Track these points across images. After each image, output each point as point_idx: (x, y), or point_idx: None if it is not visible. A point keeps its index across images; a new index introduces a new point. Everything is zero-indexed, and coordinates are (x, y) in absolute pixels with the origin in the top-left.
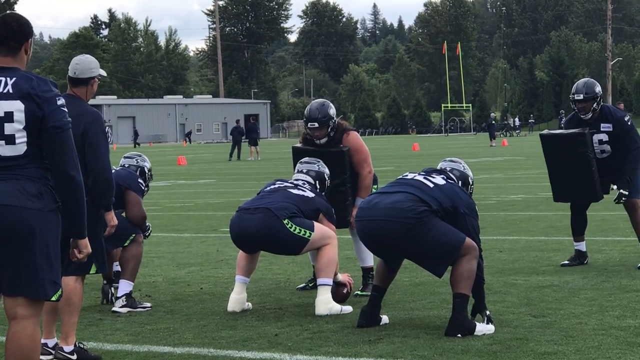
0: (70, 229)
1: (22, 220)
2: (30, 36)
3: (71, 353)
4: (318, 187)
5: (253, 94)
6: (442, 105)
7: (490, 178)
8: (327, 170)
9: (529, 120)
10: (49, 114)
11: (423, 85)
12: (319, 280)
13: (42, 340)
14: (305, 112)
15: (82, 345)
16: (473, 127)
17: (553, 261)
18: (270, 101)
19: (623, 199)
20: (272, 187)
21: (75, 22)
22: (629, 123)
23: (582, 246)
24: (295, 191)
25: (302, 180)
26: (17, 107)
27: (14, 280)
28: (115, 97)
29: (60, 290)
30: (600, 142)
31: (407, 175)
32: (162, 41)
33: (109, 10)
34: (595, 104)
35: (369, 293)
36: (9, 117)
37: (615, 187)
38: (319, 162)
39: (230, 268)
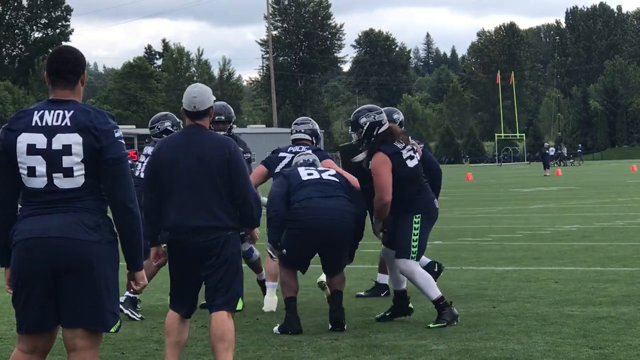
0: (127, 260)
1: (80, 253)
2: (85, 67)
3: None
4: (315, 142)
5: None
6: (496, 134)
7: (544, 208)
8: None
9: (577, 150)
10: (107, 146)
11: (476, 114)
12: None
13: None
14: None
15: None
16: (527, 156)
17: (609, 292)
18: (323, 130)
19: None
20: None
21: (131, 52)
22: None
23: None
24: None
25: (305, 146)
26: (75, 139)
27: (73, 312)
28: None
29: (119, 322)
30: None
31: (313, 175)
32: (215, 71)
33: (163, 41)
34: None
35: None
36: (67, 150)
37: None
38: (311, 120)
39: None
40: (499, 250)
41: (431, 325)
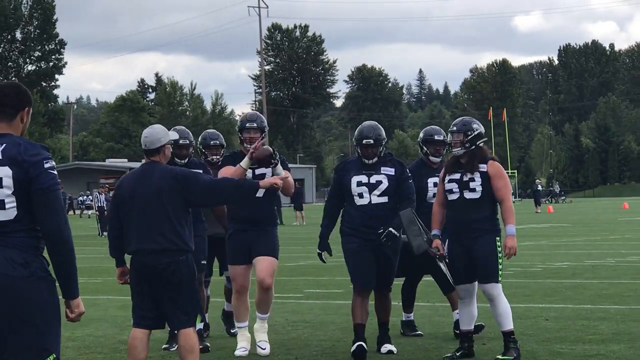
0: (62, 289)
1: (4, 288)
2: (27, 105)
3: None
4: None
5: (299, 159)
6: None
7: (536, 245)
8: None
9: (549, 187)
10: (35, 177)
11: None
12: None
13: None
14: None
15: None
16: (518, 193)
17: (599, 330)
18: (315, 166)
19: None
20: None
21: (125, 85)
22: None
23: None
24: None
25: None
26: (5, 172)
27: (3, 347)
28: None
29: (52, 356)
30: None
31: None
32: (208, 105)
33: (156, 74)
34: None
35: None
36: None
37: None
38: None
39: (276, 334)
40: None
41: (499, 357)
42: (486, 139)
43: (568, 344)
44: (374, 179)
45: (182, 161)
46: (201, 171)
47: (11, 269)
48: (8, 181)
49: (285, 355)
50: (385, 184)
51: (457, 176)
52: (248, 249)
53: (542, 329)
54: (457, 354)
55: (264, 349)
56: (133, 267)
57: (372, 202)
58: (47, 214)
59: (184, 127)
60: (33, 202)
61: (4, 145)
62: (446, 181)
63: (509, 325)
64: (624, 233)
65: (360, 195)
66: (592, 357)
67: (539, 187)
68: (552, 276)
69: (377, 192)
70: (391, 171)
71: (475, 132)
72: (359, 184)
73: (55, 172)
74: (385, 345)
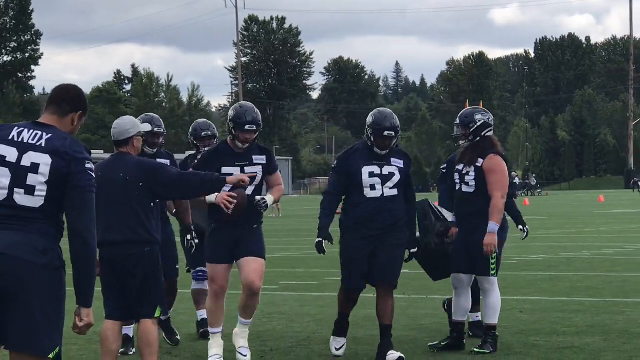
0: (76, 293)
1: (24, 274)
2: (81, 109)
3: None
4: None
5: (275, 151)
6: None
7: (511, 237)
8: None
9: (525, 180)
10: (75, 174)
11: (445, 143)
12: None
13: None
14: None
15: None
16: None
17: (574, 322)
18: (292, 158)
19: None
20: None
21: (103, 76)
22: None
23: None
24: None
25: None
26: (44, 160)
27: (13, 335)
28: None
29: (57, 349)
30: None
31: None
32: (184, 97)
33: (132, 66)
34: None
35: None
36: (34, 168)
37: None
38: None
39: (251, 326)
40: None
41: (475, 349)
42: (491, 127)
43: (543, 336)
44: (386, 170)
45: (152, 150)
46: (168, 162)
47: (32, 255)
48: (45, 169)
49: (260, 347)
50: (397, 176)
51: (460, 167)
52: (231, 247)
53: (517, 321)
54: (442, 344)
55: (245, 355)
56: (101, 259)
57: (385, 194)
58: (78, 212)
59: (157, 116)
60: (66, 197)
61: (50, 135)
62: (454, 170)
63: (493, 319)
64: (599, 226)
65: (373, 187)
66: (567, 349)
67: (515, 180)
68: (527, 269)
69: (390, 184)
70: (400, 163)
71: (479, 123)
72: (372, 174)
73: (94, 175)
74: (391, 352)
